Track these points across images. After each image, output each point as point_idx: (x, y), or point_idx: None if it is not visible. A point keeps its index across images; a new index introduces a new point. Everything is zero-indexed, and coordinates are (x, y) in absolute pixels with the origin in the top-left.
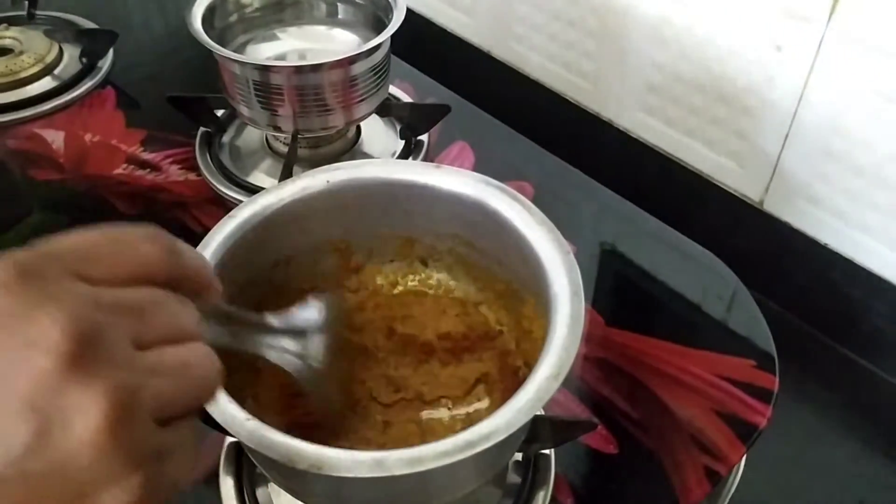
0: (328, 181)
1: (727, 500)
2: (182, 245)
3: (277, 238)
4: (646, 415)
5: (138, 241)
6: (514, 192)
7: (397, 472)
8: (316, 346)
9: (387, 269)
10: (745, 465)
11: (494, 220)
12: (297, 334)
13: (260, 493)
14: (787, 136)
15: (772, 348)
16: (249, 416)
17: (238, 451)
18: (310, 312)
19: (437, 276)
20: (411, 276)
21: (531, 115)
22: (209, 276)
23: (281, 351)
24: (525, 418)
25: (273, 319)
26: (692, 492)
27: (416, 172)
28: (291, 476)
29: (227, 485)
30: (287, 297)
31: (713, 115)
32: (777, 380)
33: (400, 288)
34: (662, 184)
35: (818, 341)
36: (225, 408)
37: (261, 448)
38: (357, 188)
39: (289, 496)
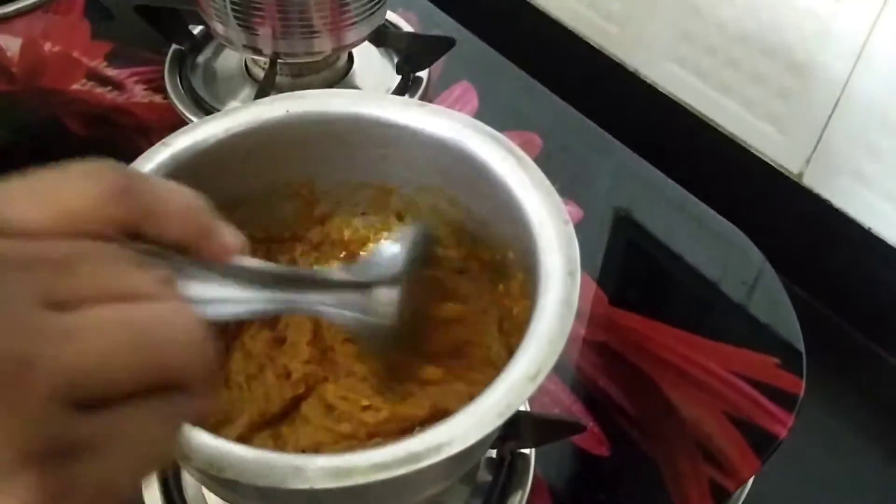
0: (288, 111)
1: None
2: (153, 181)
3: (224, 175)
4: (646, 413)
5: (71, 178)
6: (509, 143)
7: (319, 486)
8: (387, 299)
9: (357, 222)
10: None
11: (484, 175)
12: (362, 287)
13: (188, 481)
14: (838, 100)
15: (799, 343)
16: None
17: None
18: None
19: None
20: (385, 234)
21: (547, 59)
22: (204, 223)
23: (344, 308)
24: (488, 428)
25: (334, 273)
26: None
27: (396, 110)
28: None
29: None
30: None
31: (754, 71)
32: (804, 383)
33: (371, 246)
34: (690, 147)
35: (849, 336)
36: None
37: None
38: (323, 123)
39: None
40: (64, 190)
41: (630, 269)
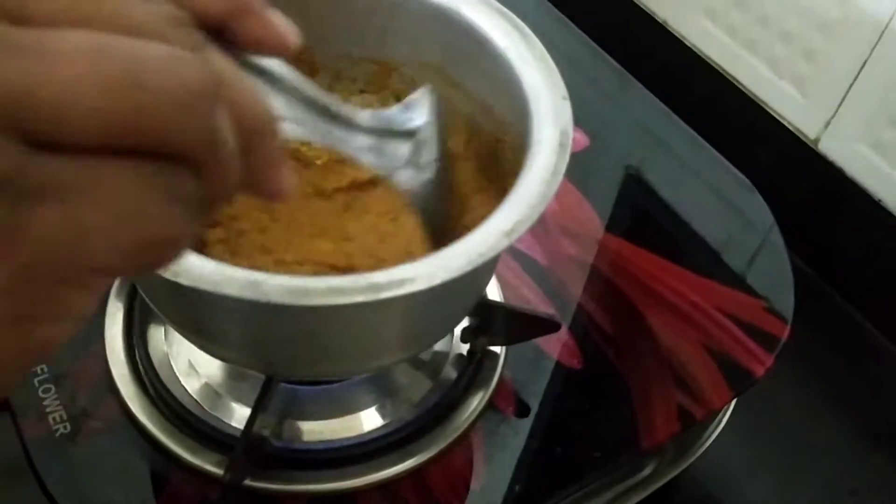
0: None
1: (694, 457)
2: None
3: None
4: (623, 334)
5: None
6: (515, 18)
7: (274, 299)
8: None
9: (355, 99)
10: (724, 428)
11: (485, 51)
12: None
13: (153, 332)
14: (864, 63)
15: (789, 291)
16: None
17: None
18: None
19: None
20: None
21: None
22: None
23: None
24: (455, 273)
25: (363, 114)
26: (657, 429)
27: None
28: (161, 292)
29: (115, 320)
30: None
31: (783, 29)
32: (788, 328)
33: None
34: (709, 103)
35: (839, 307)
36: None
37: None
38: None
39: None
40: None
41: (634, 204)
